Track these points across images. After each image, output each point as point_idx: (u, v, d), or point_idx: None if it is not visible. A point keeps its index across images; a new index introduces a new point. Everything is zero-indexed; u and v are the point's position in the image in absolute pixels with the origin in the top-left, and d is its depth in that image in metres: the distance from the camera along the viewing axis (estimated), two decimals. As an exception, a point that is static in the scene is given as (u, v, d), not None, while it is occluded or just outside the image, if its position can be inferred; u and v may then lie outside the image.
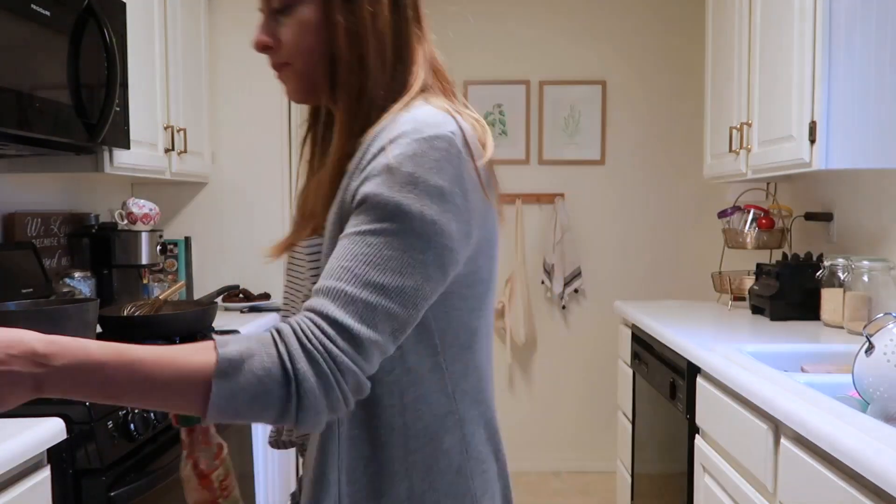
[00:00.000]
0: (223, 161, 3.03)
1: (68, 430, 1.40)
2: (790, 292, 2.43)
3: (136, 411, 1.58)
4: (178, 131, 2.59)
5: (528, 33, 3.78)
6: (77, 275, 2.36)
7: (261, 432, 2.65)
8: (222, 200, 3.04)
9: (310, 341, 0.78)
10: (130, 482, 1.51)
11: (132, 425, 1.55)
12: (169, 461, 1.65)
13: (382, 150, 0.85)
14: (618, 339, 2.99)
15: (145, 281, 2.73)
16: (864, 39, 1.95)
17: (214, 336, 0.81)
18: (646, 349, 2.54)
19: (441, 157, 0.84)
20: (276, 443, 1.05)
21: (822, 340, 2.11)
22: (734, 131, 2.52)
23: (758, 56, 2.36)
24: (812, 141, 2.00)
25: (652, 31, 3.76)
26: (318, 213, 0.94)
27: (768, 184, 2.87)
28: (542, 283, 3.80)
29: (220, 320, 2.51)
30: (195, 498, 0.97)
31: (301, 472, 1.03)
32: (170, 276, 2.92)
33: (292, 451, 3.29)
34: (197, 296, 3.01)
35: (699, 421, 2.00)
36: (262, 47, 0.95)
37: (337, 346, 0.79)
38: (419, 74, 0.94)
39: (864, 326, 1.55)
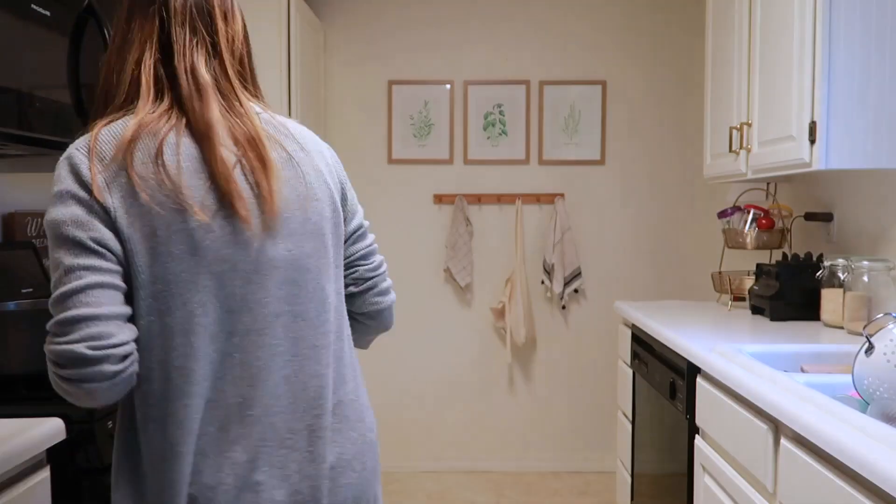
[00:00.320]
0: (223, 161, 3.03)
1: (68, 430, 1.40)
2: (790, 292, 2.43)
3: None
4: (178, 131, 2.58)
5: (528, 33, 3.79)
6: (77, 275, 2.36)
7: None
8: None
9: None
10: (130, 482, 1.51)
11: (132, 425, 1.55)
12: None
13: None
14: (618, 339, 2.99)
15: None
16: (865, 39, 1.95)
17: None
18: (646, 349, 2.54)
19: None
20: None
21: (821, 341, 2.11)
22: (734, 131, 2.52)
23: (758, 56, 2.36)
24: (812, 141, 2.00)
25: (652, 31, 3.76)
26: None
27: (768, 184, 2.87)
28: (542, 283, 3.81)
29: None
30: None
31: None
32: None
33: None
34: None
35: (699, 421, 2.00)
36: None
37: None
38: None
39: (864, 327, 1.55)
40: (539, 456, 3.86)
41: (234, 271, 1.05)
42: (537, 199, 3.79)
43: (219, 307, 1.04)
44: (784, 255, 2.58)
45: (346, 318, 1.22)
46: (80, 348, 0.95)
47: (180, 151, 1.04)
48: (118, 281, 1.01)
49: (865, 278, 2.17)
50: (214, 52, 1.13)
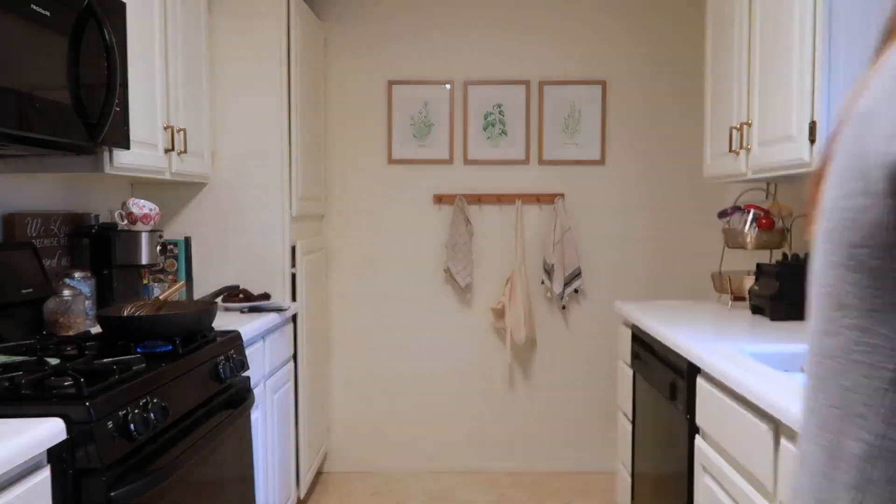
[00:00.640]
0: (223, 161, 3.03)
1: (68, 430, 1.40)
2: (790, 292, 2.43)
3: (136, 411, 1.59)
4: (178, 131, 2.59)
5: (528, 33, 3.79)
6: (77, 275, 2.36)
7: (260, 432, 2.65)
8: (222, 200, 3.04)
9: None
10: (130, 482, 1.51)
11: (132, 425, 1.55)
12: (169, 461, 1.65)
13: None
14: (618, 339, 2.99)
15: (145, 281, 2.73)
16: (865, 39, 1.95)
17: None
18: (646, 349, 2.54)
19: None
20: None
21: (822, 340, 2.11)
22: (734, 131, 2.52)
23: (758, 56, 2.36)
24: (812, 141, 2.00)
25: (652, 31, 3.76)
26: None
27: (768, 184, 2.87)
28: (542, 283, 3.81)
29: (220, 320, 2.52)
30: None
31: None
32: (170, 277, 2.92)
33: (292, 450, 3.30)
34: (197, 296, 3.01)
35: (699, 421, 2.00)
36: None
37: None
38: None
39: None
40: (539, 456, 3.86)
41: None
42: (537, 199, 3.79)
43: None
44: (784, 254, 2.58)
45: None
46: None
47: None
48: None
49: (865, 278, 2.16)
50: None
